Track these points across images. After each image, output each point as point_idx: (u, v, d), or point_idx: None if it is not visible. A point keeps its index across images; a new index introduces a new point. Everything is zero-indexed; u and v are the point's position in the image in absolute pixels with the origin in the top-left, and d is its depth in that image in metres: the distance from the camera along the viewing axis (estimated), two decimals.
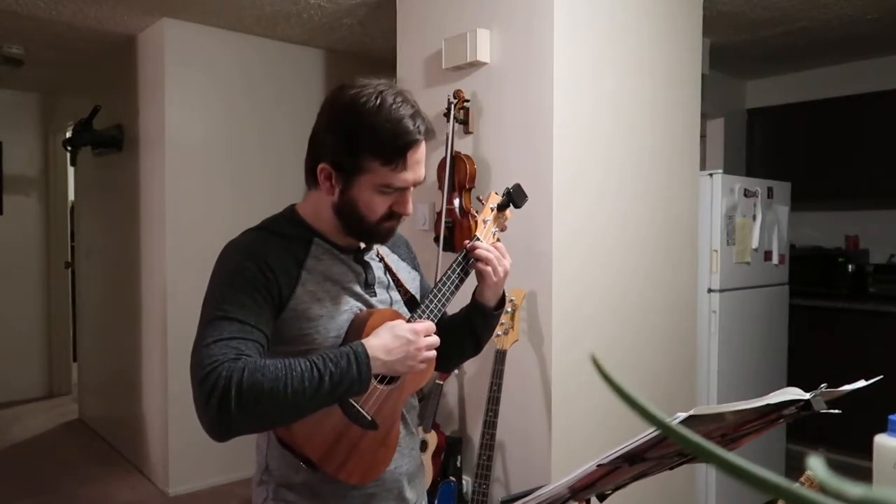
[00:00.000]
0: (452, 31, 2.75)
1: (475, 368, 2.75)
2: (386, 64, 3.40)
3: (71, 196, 5.58)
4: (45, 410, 5.27)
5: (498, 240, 1.35)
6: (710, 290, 3.21)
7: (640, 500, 2.33)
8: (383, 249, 1.34)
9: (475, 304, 1.35)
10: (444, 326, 1.33)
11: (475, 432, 2.62)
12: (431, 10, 2.90)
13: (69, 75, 4.89)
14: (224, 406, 1.01)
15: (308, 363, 1.07)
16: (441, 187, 2.70)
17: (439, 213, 2.71)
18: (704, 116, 3.66)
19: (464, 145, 2.75)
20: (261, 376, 1.03)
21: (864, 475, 1.12)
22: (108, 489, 3.77)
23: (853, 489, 0.25)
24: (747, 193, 3.36)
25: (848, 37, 3.91)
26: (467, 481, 2.66)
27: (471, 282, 1.32)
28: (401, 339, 1.13)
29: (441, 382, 2.68)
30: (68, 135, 4.33)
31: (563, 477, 0.95)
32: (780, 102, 4.69)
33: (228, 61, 3.85)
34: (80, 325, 5.12)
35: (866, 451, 1.27)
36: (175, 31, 3.66)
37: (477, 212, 1.37)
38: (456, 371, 2.81)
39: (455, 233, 2.68)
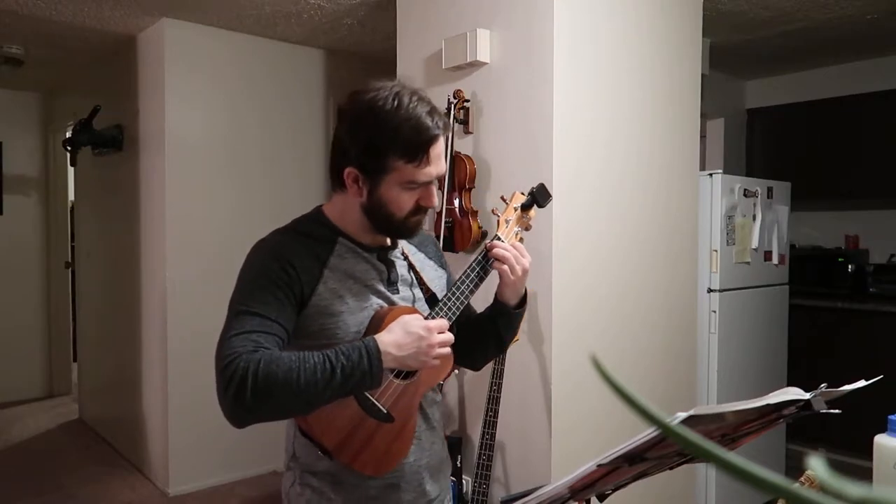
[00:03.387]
0: (452, 31, 2.75)
1: None
2: (386, 64, 3.40)
3: (71, 196, 5.58)
4: (45, 410, 5.27)
5: (521, 239, 1.38)
6: (710, 290, 3.21)
7: (640, 500, 2.33)
8: (409, 248, 1.38)
9: (496, 303, 1.38)
10: (468, 325, 1.38)
11: (475, 432, 2.63)
12: (431, 10, 2.90)
13: (69, 75, 4.89)
14: (240, 394, 1.07)
15: (321, 356, 1.12)
16: (441, 187, 2.70)
17: (439, 213, 2.71)
18: (704, 116, 3.66)
19: (464, 145, 2.75)
20: (275, 367, 1.08)
21: (864, 475, 1.12)
22: (108, 489, 3.77)
23: (853, 489, 0.25)
24: (747, 193, 3.36)
25: (848, 37, 3.91)
26: (467, 481, 2.66)
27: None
28: (412, 335, 1.16)
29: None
30: (68, 135, 4.33)
31: (563, 477, 0.95)
32: (780, 102, 4.69)
33: (228, 61, 3.85)
34: (80, 325, 5.12)
35: (866, 451, 1.27)
36: (175, 31, 3.66)
37: (500, 211, 1.40)
38: (456, 371, 2.81)
39: (455, 232, 2.68)
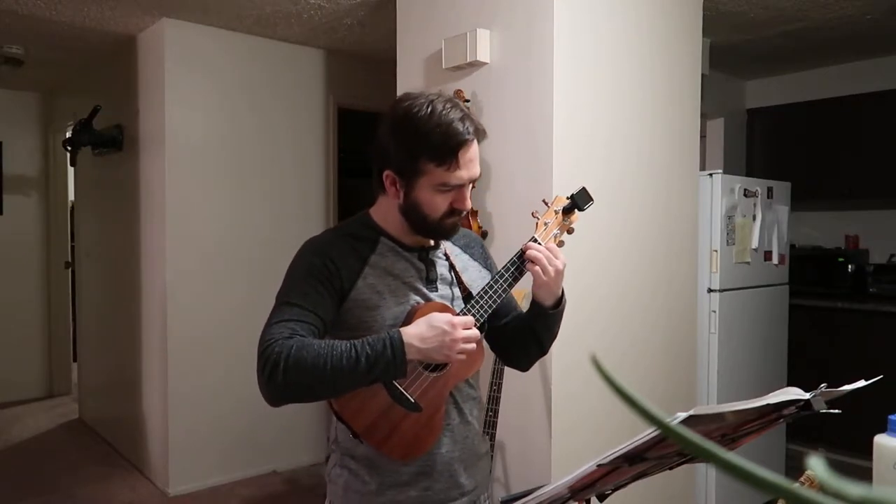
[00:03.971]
0: (452, 31, 2.75)
1: None
2: (386, 64, 3.40)
3: (71, 196, 5.58)
4: (45, 410, 5.27)
5: (560, 243, 1.41)
6: (710, 290, 3.21)
7: (640, 500, 2.34)
8: (453, 249, 1.44)
9: (533, 304, 1.41)
10: (509, 325, 1.47)
11: None
12: (431, 10, 2.90)
13: (69, 75, 4.89)
14: (273, 376, 1.18)
15: (349, 345, 1.21)
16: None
17: None
18: (704, 116, 3.66)
19: None
20: (305, 353, 1.18)
21: (864, 475, 1.12)
22: (108, 489, 3.77)
23: (853, 489, 0.25)
24: (747, 193, 3.36)
25: (848, 37, 3.91)
26: None
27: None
28: (436, 329, 1.23)
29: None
30: (68, 135, 4.33)
31: (563, 477, 0.95)
32: (780, 102, 4.69)
33: (228, 61, 3.85)
34: (80, 325, 5.12)
35: (866, 451, 1.27)
36: (175, 31, 3.66)
37: (540, 214, 1.41)
38: None
39: None
